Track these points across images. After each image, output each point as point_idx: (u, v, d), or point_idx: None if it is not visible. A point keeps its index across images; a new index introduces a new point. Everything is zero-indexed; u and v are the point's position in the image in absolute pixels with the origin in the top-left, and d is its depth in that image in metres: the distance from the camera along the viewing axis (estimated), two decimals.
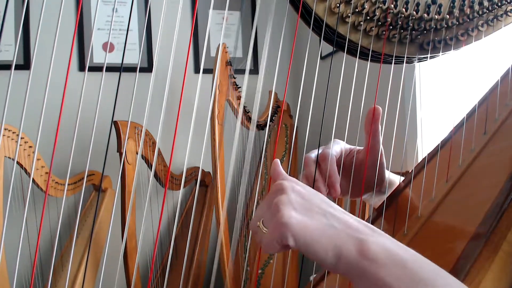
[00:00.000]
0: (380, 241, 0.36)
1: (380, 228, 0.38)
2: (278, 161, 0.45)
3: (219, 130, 1.28)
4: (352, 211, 1.34)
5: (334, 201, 0.43)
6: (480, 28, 0.60)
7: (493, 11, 0.60)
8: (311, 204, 0.39)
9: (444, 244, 0.49)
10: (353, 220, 0.38)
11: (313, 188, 0.55)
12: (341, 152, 0.60)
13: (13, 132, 1.21)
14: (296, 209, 0.38)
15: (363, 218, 1.26)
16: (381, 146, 0.59)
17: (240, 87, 1.46)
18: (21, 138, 1.26)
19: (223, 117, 1.33)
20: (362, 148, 0.61)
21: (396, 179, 0.65)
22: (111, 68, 1.91)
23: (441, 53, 0.60)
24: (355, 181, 0.59)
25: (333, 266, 0.36)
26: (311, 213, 0.38)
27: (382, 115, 0.60)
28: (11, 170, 1.27)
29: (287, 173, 0.44)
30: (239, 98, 1.46)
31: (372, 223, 0.57)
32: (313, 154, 0.58)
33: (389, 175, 0.64)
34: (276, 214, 0.38)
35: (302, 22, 0.57)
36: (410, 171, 0.64)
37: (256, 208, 0.42)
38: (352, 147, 0.62)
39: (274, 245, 0.37)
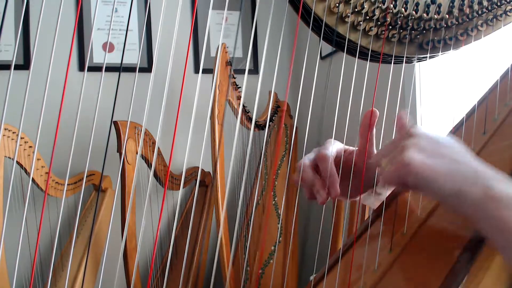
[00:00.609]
0: (506, 186, 0.38)
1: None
2: (405, 114, 0.48)
3: (219, 130, 1.28)
4: (352, 212, 1.34)
5: (333, 202, 0.44)
6: (479, 27, 0.60)
7: (493, 10, 0.60)
8: (439, 148, 0.41)
9: (444, 244, 0.49)
10: (482, 167, 0.40)
11: (311, 193, 0.55)
12: (338, 152, 0.60)
13: (13, 132, 1.21)
14: (422, 151, 0.40)
15: (363, 218, 1.27)
16: (374, 149, 0.59)
17: (240, 87, 1.46)
18: (21, 138, 1.26)
19: (223, 117, 1.33)
20: (354, 148, 0.60)
21: None
22: (111, 68, 1.91)
23: (440, 53, 0.60)
24: (352, 182, 0.59)
25: (456, 207, 0.39)
26: (438, 156, 0.40)
27: (381, 115, 0.60)
28: (11, 170, 1.27)
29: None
30: (239, 98, 1.46)
31: (371, 224, 0.57)
32: (307, 159, 0.58)
33: None
34: (401, 153, 0.41)
35: (301, 22, 0.57)
36: None
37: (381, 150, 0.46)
38: (346, 147, 0.62)
39: (393, 181, 0.41)
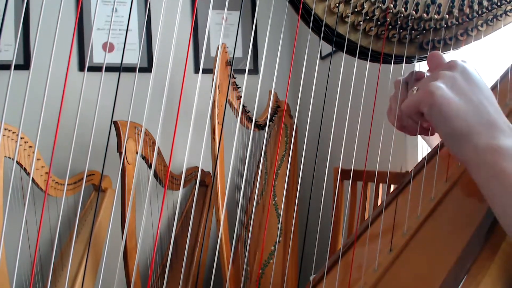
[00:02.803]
0: None
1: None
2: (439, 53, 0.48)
3: (219, 130, 1.28)
4: (352, 212, 1.34)
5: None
6: (479, 28, 0.60)
7: (493, 11, 0.60)
8: (470, 89, 0.41)
9: (444, 244, 0.49)
10: (499, 119, 0.40)
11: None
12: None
13: (13, 132, 1.21)
14: (451, 85, 0.40)
15: (362, 218, 1.26)
16: None
17: (240, 87, 1.46)
18: (21, 138, 1.26)
19: (223, 117, 1.33)
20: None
21: None
22: (111, 68, 1.91)
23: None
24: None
25: (456, 149, 0.40)
26: (463, 93, 0.40)
27: (381, 115, 0.60)
28: (11, 170, 1.27)
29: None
30: (239, 98, 1.46)
31: (371, 224, 0.57)
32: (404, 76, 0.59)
33: None
34: (430, 81, 0.41)
35: (301, 22, 0.57)
36: (410, 170, 0.64)
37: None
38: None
39: (410, 108, 0.41)
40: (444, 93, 0.40)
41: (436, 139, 0.66)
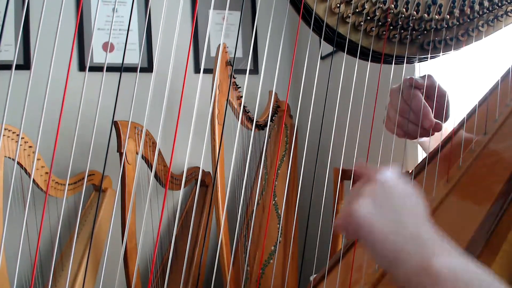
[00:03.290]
0: (446, 260, 0.34)
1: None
2: (362, 163, 0.46)
3: (219, 130, 1.28)
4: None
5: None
6: (480, 28, 0.60)
7: (493, 11, 0.60)
8: (393, 205, 0.38)
9: None
10: (430, 235, 0.37)
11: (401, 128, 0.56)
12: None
13: (13, 132, 1.21)
14: (373, 203, 0.38)
15: None
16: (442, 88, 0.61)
17: (240, 87, 1.46)
18: (21, 138, 1.26)
19: (223, 117, 1.33)
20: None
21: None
22: (110, 68, 1.91)
23: (441, 53, 0.60)
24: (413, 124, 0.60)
25: (393, 272, 0.36)
26: (387, 212, 0.38)
27: (381, 115, 0.60)
28: (11, 170, 1.27)
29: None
30: (239, 98, 1.46)
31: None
32: (396, 92, 0.60)
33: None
34: (353, 201, 0.39)
35: (301, 22, 0.57)
36: (410, 171, 0.64)
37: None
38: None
39: (340, 229, 0.39)
40: (366, 214, 0.37)
41: (435, 141, 0.66)
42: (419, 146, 1.29)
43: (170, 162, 0.58)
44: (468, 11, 0.59)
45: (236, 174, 1.87)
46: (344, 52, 0.59)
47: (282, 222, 1.50)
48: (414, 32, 0.58)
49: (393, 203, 0.38)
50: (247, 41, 2.18)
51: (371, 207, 0.38)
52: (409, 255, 0.35)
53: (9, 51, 1.79)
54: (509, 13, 0.60)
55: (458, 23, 0.59)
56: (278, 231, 1.48)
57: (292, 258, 1.44)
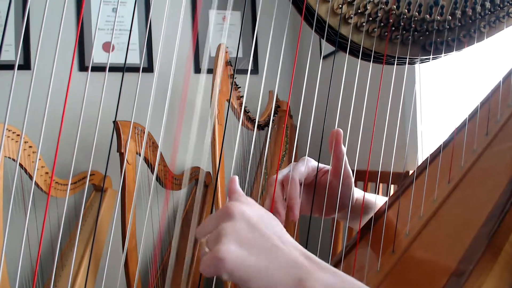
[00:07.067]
0: (322, 277, 0.35)
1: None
2: (236, 178, 0.45)
3: (219, 130, 1.28)
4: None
5: (294, 225, 0.43)
6: (482, 29, 0.60)
7: (495, 12, 0.60)
8: (257, 236, 0.37)
9: (446, 246, 0.49)
10: (299, 255, 0.37)
11: (272, 209, 0.55)
12: (311, 171, 0.59)
13: (13, 132, 1.21)
14: (238, 241, 0.36)
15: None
16: (348, 168, 0.59)
17: (240, 87, 1.46)
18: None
19: (223, 117, 1.33)
20: (329, 167, 0.60)
21: (372, 199, 0.65)
22: (110, 68, 1.91)
23: (443, 54, 0.60)
24: (328, 200, 0.59)
25: None
26: (254, 247, 0.37)
27: (382, 115, 0.60)
28: (11, 170, 1.27)
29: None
30: (239, 98, 1.46)
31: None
32: (280, 174, 0.57)
33: (364, 195, 0.64)
34: (216, 243, 0.37)
35: (303, 22, 0.57)
36: (411, 172, 0.64)
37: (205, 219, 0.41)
38: (322, 166, 0.61)
39: (209, 273, 0.37)
40: (236, 255, 0.36)
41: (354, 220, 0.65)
42: (419, 146, 1.30)
43: (172, 163, 0.58)
44: (470, 12, 0.59)
45: (236, 174, 1.87)
46: (347, 53, 0.59)
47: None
48: (416, 33, 0.58)
49: (258, 235, 0.37)
50: (248, 41, 2.18)
51: (239, 247, 0.36)
52: (285, 281, 0.35)
53: (9, 51, 1.79)
54: (510, 14, 0.60)
55: (460, 24, 0.59)
56: None
57: None
